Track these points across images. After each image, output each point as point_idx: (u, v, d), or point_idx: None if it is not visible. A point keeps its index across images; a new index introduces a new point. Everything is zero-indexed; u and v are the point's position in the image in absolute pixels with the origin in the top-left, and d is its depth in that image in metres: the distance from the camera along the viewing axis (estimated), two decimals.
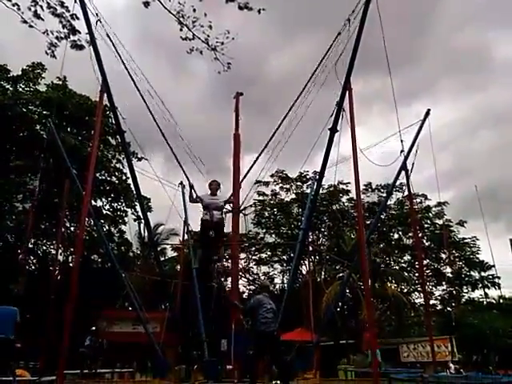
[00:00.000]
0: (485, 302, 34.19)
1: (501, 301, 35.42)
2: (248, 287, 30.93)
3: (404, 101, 69.13)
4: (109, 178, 24.15)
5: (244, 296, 25.72)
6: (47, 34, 7.24)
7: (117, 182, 24.29)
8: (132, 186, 15.55)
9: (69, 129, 21.91)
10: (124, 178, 23.98)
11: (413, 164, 11.67)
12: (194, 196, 10.25)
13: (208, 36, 7.62)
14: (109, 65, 8.90)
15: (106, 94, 8.91)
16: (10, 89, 21.54)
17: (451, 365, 17.23)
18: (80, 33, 7.48)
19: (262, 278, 31.58)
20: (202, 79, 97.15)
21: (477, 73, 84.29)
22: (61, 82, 22.25)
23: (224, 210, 10.27)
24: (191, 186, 10.39)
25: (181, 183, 15.11)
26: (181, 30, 7.50)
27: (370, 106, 74.49)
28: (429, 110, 11.95)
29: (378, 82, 68.40)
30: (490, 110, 75.09)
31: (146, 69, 10.53)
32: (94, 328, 13.10)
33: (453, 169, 66.82)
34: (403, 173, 11.88)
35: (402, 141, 11.06)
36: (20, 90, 21.99)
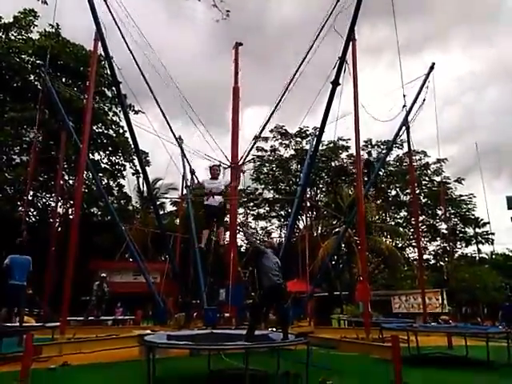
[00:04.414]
0: (477, 258, 35.10)
1: (493, 256, 36.39)
2: (245, 241, 31.47)
3: (413, 50, 66.99)
4: (106, 131, 23.86)
5: (242, 250, 26.23)
6: None
7: (114, 135, 24.02)
8: (130, 139, 15.42)
9: (63, 79, 21.34)
10: (121, 131, 23.71)
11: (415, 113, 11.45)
12: (196, 182, 11.53)
13: None
14: (104, 12, 8.57)
15: (100, 43, 8.63)
16: (2, 37, 20.80)
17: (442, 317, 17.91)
18: None
19: (260, 232, 32.05)
20: (199, 27, 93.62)
21: (489, 23, 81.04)
22: (54, 30, 21.45)
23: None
24: (192, 172, 11.91)
25: (179, 137, 14.94)
26: None
27: (377, 58, 72.35)
28: (433, 64, 11.66)
29: (386, 30, 66.14)
30: (502, 64, 72.96)
31: (139, 15, 10.13)
32: (103, 275, 13.51)
33: (459, 124, 65.84)
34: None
35: (404, 95, 10.90)
36: (12, 38, 21.22)
